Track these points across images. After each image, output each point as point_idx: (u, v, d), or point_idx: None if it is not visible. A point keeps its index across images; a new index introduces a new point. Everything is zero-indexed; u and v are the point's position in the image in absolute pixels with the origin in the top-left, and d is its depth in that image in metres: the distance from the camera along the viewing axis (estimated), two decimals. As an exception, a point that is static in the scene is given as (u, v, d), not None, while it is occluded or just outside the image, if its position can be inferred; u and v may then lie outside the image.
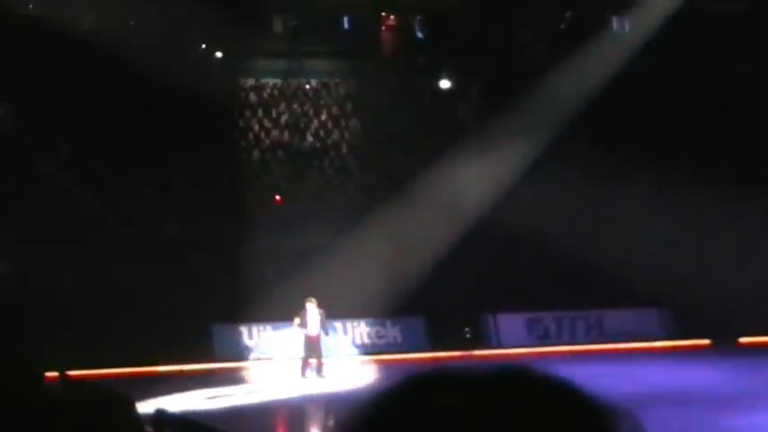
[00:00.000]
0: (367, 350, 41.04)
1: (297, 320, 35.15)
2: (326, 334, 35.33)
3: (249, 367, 38.64)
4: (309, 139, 47.66)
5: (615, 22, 46.12)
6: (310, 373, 34.29)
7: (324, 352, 34.87)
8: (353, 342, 41.34)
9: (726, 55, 46.27)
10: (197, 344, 37.94)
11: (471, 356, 39.32)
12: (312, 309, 34.62)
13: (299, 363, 34.84)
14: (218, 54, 45.96)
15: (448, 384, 1.48)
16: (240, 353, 39.88)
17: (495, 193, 43.06)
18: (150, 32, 40.79)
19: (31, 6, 41.27)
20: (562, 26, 46.36)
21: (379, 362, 39.28)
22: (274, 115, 47.84)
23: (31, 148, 41.49)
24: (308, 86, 48.28)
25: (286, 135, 47.51)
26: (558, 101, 45.04)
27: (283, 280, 38.92)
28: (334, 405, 30.03)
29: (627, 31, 46.14)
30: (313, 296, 34.82)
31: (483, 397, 1.45)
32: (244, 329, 40.31)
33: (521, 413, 1.44)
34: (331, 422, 28.09)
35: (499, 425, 1.43)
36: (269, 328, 40.05)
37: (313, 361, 34.54)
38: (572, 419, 1.45)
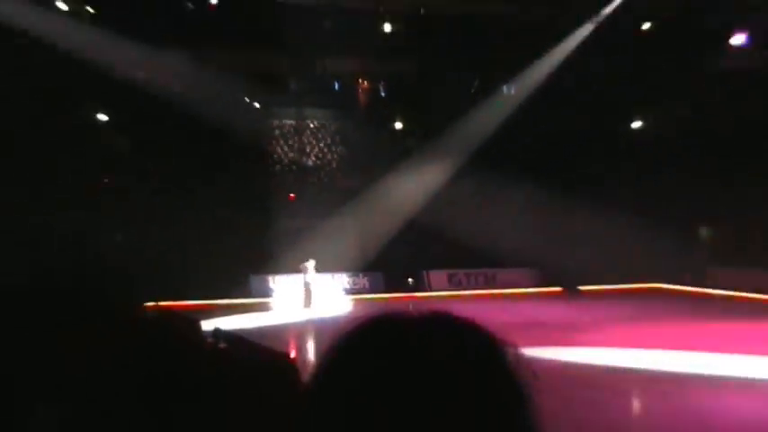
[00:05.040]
0: (347, 293, 43.81)
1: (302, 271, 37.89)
2: (315, 282, 37.82)
3: (272, 302, 41.27)
4: (311, 159, 49.40)
5: (505, 87, 48.79)
6: (308, 307, 36.58)
7: (314, 294, 37.35)
8: (338, 287, 44.09)
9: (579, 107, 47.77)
10: (240, 286, 41.58)
11: (413, 298, 41.03)
12: (311, 265, 37.51)
13: (302, 299, 37.32)
14: (256, 104, 47.77)
15: (395, 323, 1.57)
16: (267, 292, 42.77)
17: (428, 195, 45.97)
18: (216, 93, 42.77)
19: (139, 74, 41.92)
20: (472, 90, 48.68)
21: (354, 300, 41.75)
22: (290, 143, 49.33)
23: (138, 165, 43.23)
24: (311, 125, 49.61)
25: (297, 156, 49.24)
26: (468, 137, 47.38)
27: (294, 246, 41.30)
28: (324, 325, 31.52)
29: (512, 92, 48.73)
30: (312, 258, 37.74)
31: (419, 332, 1.54)
32: (269, 277, 43.16)
33: (444, 340, 1.53)
34: (320, 337, 29.39)
35: (429, 349, 1.51)
36: (284, 277, 42.52)
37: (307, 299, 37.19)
38: (477, 345, 1.54)
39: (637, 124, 51.72)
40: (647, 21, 45.95)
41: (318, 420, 1.50)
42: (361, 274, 45.02)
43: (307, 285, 37.88)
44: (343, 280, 44.56)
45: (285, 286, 42.57)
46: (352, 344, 1.57)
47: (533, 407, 1.50)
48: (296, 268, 39.08)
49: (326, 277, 41.75)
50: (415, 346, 1.52)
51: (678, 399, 21.60)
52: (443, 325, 1.57)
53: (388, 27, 45.14)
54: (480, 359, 1.52)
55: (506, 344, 1.57)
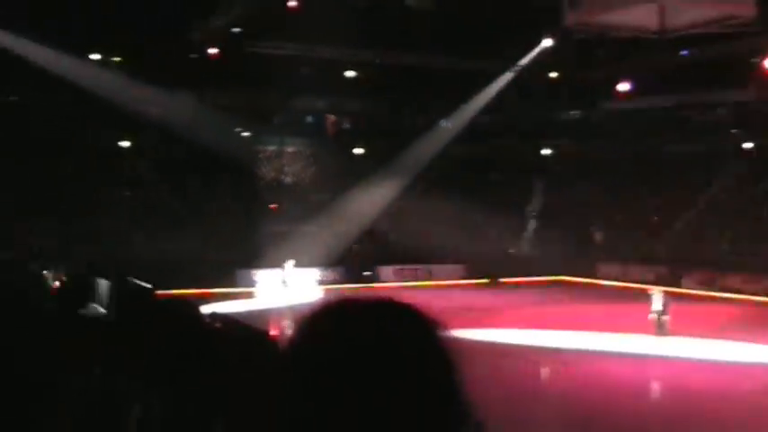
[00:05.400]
0: (320, 283, 42.81)
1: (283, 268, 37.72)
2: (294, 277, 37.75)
3: (255, 291, 40.58)
4: (289, 178, 49.90)
5: (443, 122, 49.72)
6: (285, 295, 35.60)
7: (291, 285, 36.90)
8: (310, 279, 42.31)
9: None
10: (229, 279, 40.49)
11: (368, 288, 40.54)
12: (289, 264, 37.59)
13: (281, 289, 36.94)
14: (246, 134, 48.43)
15: (353, 305, 1.46)
16: (251, 284, 41.68)
17: (382, 207, 46.05)
18: (214, 125, 43.00)
19: (155, 110, 42.12)
20: (418, 123, 49.47)
21: (323, 290, 40.81)
22: (272, 165, 49.69)
23: (153, 182, 43.61)
24: (289, 150, 50.29)
25: (278, 175, 49.68)
26: (414, 161, 47.98)
27: (275, 247, 40.59)
28: (297, 309, 29.61)
29: (448, 125, 49.59)
30: (291, 257, 37.68)
31: (371, 313, 1.44)
32: (253, 271, 42.18)
33: (390, 321, 1.43)
34: (294, 319, 27.56)
35: (378, 327, 1.42)
36: (266, 271, 41.21)
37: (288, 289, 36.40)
38: (416, 325, 1.44)
39: (546, 151, 53.41)
40: (554, 71, 47.99)
41: (293, 395, 1.43)
42: (330, 269, 44.72)
43: (285, 279, 38.00)
44: (314, 273, 43.87)
45: (267, 278, 41.53)
46: (317, 329, 1.49)
47: (461, 379, 1.45)
48: (277, 264, 38.88)
49: (301, 271, 40.26)
50: (369, 331, 1.44)
51: (577, 366, 22.98)
52: (390, 310, 1.49)
53: (351, 73, 47.04)
54: (419, 340, 1.45)
55: (439, 325, 1.49)
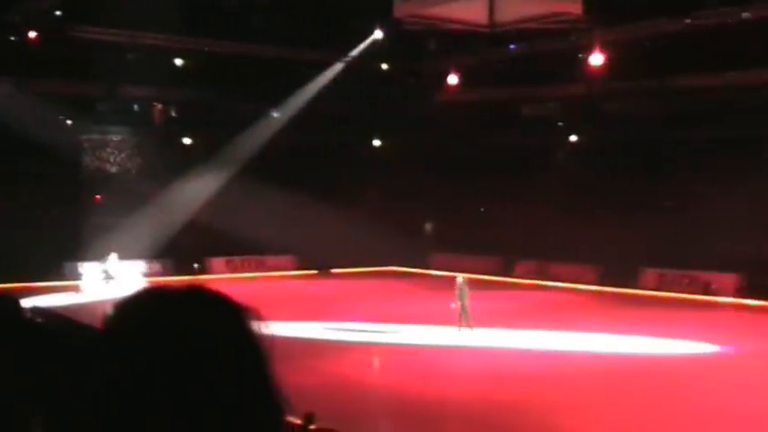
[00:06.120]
0: (144, 276, 42.75)
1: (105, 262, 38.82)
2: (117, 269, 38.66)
3: (81, 284, 39.25)
4: (114, 167, 48.99)
5: (273, 112, 49.23)
6: (110, 288, 36.28)
7: (115, 278, 37.78)
8: (136, 271, 42.59)
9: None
10: (56, 272, 40.82)
11: (197, 280, 41.90)
12: (113, 256, 38.75)
13: (105, 282, 37.75)
14: (69, 122, 46.25)
15: (161, 292, 1.42)
16: (77, 276, 40.87)
17: (209, 197, 45.67)
18: (35, 113, 41.41)
19: None
20: (246, 113, 48.32)
21: (150, 282, 35.01)
22: (96, 154, 48.54)
23: None
24: (115, 138, 49.08)
25: (102, 165, 48.69)
26: (242, 151, 47.71)
27: (100, 238, 40.84)
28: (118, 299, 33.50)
29: (278, 115, 49.29)
30: (114, 250, 38.70)
31: (178, 300, 1.39)
32: (80, 264, 41.94)
33: (199, 308, 1.39)
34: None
35: (186, 314, 1.38)
36: (92, 263, 40.69)
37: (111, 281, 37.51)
38: (227, 313, 1.40)
39: (377, 142, 54.43)
40: (385, 63, 49.19)
41: (108, 385, 1.36)
42: (155, 261, 44.96)
43: (108, 271, 38.50)
44: (140, 265, 44.09)
45: (92, 271, 40.91)
46: (125, 317, 1.45)
47: (276, 370, 1.44)
48: (101, 257, 39.22)
49: (127, 263, 40.79)
50: (177, 318, 1.40)
51: (404, 358, 23.46)
52: (198, 297, 1.45)
53: (179, 61, 47.15)
54: (229, 328, 1.43)
55: (251, 313, 1.46)
